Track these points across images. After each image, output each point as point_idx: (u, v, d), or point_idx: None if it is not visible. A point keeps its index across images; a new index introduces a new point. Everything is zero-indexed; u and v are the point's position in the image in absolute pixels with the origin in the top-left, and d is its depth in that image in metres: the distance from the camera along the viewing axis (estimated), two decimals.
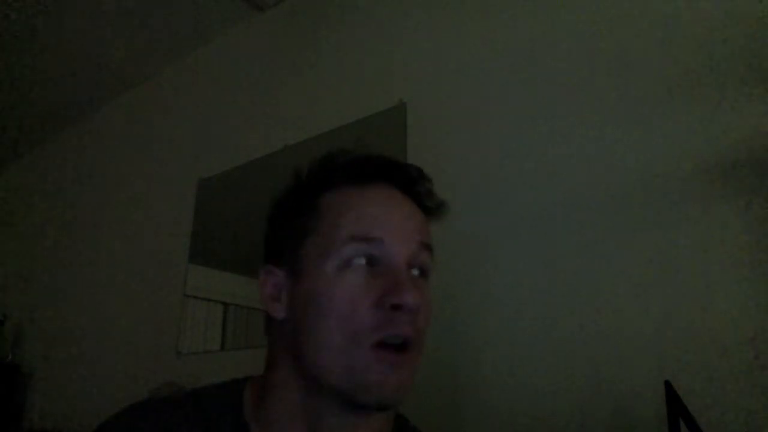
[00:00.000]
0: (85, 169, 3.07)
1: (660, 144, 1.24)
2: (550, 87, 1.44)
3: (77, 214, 2.99)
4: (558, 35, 1.46)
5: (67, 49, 2.67)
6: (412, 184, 0.71)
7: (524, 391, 1.25)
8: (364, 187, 0.69)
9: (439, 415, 1.32)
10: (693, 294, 1.14)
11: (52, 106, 3.12)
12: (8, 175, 3.71)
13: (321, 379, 0.63)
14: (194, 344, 2.08)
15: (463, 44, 1.65)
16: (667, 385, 1.00)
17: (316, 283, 0.64)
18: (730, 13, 1.21)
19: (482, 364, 1.32)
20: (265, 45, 2.32)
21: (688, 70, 1.25)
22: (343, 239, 0.64)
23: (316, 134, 1.93)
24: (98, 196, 2.90)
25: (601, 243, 1.26)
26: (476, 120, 1.54)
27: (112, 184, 2.84)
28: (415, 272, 0.66)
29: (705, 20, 1.24)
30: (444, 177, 0.83)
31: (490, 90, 1.55)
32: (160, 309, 2.25)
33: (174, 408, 0.68)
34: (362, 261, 0.63)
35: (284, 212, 0.73)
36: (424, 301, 0.64)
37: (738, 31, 1.19)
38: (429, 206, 0.73)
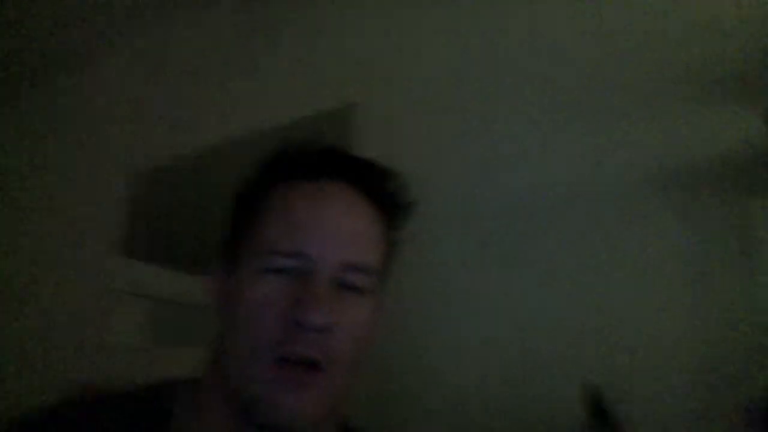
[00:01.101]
0: (14, 156, 2.90)
1: (608, 151, 1.28)
2: (506, 92, 1.46)
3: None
4: (516, 39, 1.49)
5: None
6: (370, 183, 0.66)
7: (459, 393, 1.26)
8: (308, 186, 0.64)
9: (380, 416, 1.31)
10: (619, 298, 1.19)
11: None
12: None
13: (232, 390, 0.59)
14: (121, 340, 1.99)
15: (416, 48, 1.66)
16: (591, 388, 1.03)
17: (236, 285, 0.61)
18: (688, 29, 1.26)
19: (418, 364, 1.32)
20: (213, 35, 2.25)
21: (642, 83, 1.28)
22: (266, 247, 0.60)
23: (262, 129, 1.88)
24: (24, 184, 2.74)
25: (538, 247, 1.29)
26: (427, 124, 1.55)
27: (41, 171, 2.70)
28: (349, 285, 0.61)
29: (662, 37, 1.28)
30: None
31: (444, 93, 1.55)
32: (85, 303, 2.15)
33: (91, 413, 0.63)
34: (282, 269, 0.59)
35: (234, 207, 0.69)
36: (346, 319, 0.59)
37: (693, 48, 1.24)
38: (389, 207, 0.68)
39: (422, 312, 1.35)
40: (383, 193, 0.67)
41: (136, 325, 1.99)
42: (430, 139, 1.50)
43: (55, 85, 2.77)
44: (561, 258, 1.26)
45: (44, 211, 2.56)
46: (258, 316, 0.58)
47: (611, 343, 1.16)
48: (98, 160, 2.41)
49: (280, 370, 0.56)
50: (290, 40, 1.96)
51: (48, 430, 0.60)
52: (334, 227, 0.62)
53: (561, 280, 1.25)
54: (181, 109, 2.20)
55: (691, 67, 1.23)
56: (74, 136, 2.58)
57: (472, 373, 1.26)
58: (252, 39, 2.08)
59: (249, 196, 0.68)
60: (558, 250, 1.27)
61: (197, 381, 0.65)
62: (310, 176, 0.65)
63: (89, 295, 2.12)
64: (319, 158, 0.67)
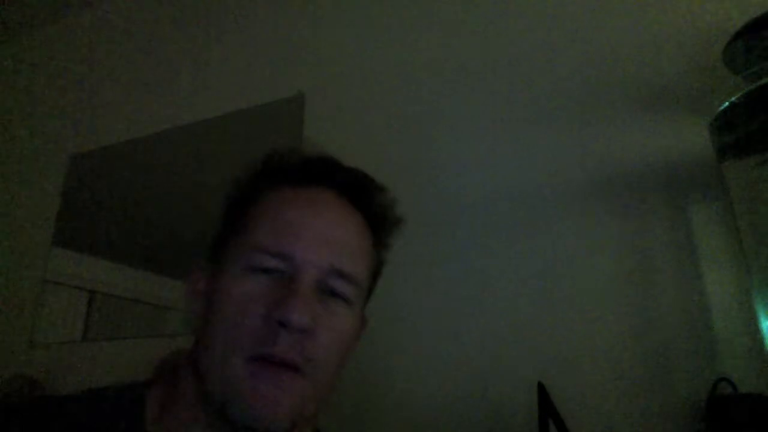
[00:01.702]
0: None
1: (556, 155, 1.30)
2: (451, 89, 1.47)
3: None
4: (470, 41, 1.49)
5: None
6: (360, 194, 0.67)
7: (411, 398, 1.26)
8: (300, 191, 0.65)
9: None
10: (570, 299, 1.21)
11: None
12: None
13: (206, 389, 0.58)
14: (52, 334, 1.90)
15: (367, 40, 1.65)
16: (540, 386, 1.05)
17: (221, 283, 0.61)
18: (640, 42, 1.29)
19: (369, 371, 1.32)
20: (159, 20, 2.17)
21: (593, 91, 1.31)
22: (254, 246, 0.61)
23: (209, 116, 1.82)
24: None
25: (484, 250, 1.30)
26: (377, 117, 1.54)
27: None
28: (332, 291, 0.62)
29: (614, 48, 1.31)
30: None
31: (392, 88, 1.55)
32: (14, 294, 2.04)
33: (60, 413, 0.60)
34: (268, 269, 0.60)
35: (224, 208, 0.69)
36: (327, 325, 0.59)
37: (644, 59, 1.27)
38: (378, 222, 0.69)
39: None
40: (373, 207, 0.69)
41: (72, 318, 1.91)
42: (380, 135, 1.49)
43: None
44: (508, 260, 1.28)
45: None
46: (240, 314, 0.58)
47: (558, 343, 1.19)
48: (35, 147, 2.29)
49: (257, 368, 0.56)
50: (239, 28, 1.92)
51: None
52: (323, 232, 0.62)
53: (508, 282, 1.26)
54: (125, 95, 2.12)
55: (640, 77, 1.27)
56: (8, 121, 2.44)
57: (422, 377, 1.26)
58: (200, 26, 2.02)
59: (240, 196, 0.68)
60: (505, 252, 1.28)
61: (171, 380, 0.64)
62: (304, 182, 0.66)
63: (23, 287, 2.02)
64: (314, 165, 0.67)
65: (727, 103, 1.02)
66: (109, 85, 2.17)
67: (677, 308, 1.13)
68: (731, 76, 1.06)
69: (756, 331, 0.97)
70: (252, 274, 0.60)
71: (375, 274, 0.70)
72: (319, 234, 0.62)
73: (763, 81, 1.00)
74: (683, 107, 1.19)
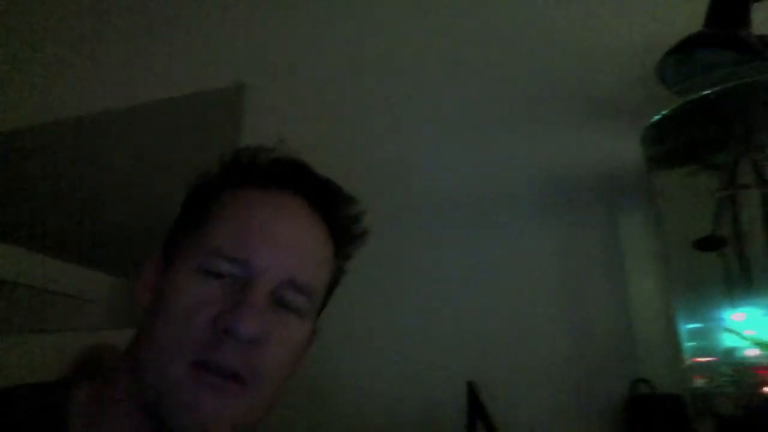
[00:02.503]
0: None
1: (495, 160, 1.33)
2: (400, 86, 1.47)
3: None
4: (412, 35, 1.49)
5: None
6: (328, 204, 0.65)
7: (344, 399, 1.25)
8: (266, 195, 0.62)
9: None
10: (504, 299, 1.23)
11: None
12: None
13: (142, 390, 0.54)
14: None
15: (316, 32, 1.61)
16: (470, 386, 1.06)
17: (171, 280, 0.58)
18: (580, 55, 1.34)
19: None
20: (97, 2, 2.06)
21: (536, 99, 1.34)
22: (210, 247, 0.57)
23: (143, 101, 1.73)
24: None
25: (421, 251, 1.31)
26: (323, 113, 1.51)
27: None
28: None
29: (557, 60, 1.35)
30: None
31: (341, 83, 1.53)
32: None
33: None
34: (222, 273, 0.56)
35: (183, 203, 0.65)
36: (277, 337, 0.56)
37: (583, 72, 1.32)
38: (342, 234, 0.66)
39: None
40: (340, 218, 0.66)
41: None
42: (326, 131, 1.47)
43: None
44: (448, 260, 1.29)
45: None
46: (187, 317, 0.54)
47: (490, 343, 1.21)
48: None
49: (199, 374, 0.53)
50: (180, 12, 1.85)
51: None
52: (285, 241, 0.59)
53: (446, 281, 1.28)
54: (58, 75, 2.00)
55: (582, 89, 1.31)
56: None
57: (359, 376, 1.26)
58: (138, 7, 1.94)
59: (202, 192, 0.64)
60: (445, 252, 1.30)
61: (99, 379, 0.60)
62: (272, 185, 0.62)
63: None
64: (284, 168, 0.64)
65: (657, 116, 1.06)
66: (33, 63, 2.04)
67: (604, 311, 1.18)
68: (663, 91, 1.10)
69: (674, 334, 1.02)
70: (205, 276, 0.56)
71: (332, 286, 0.68)
72: (281, 242, 0.59)
73: (691, 96, 1.05)
74: (619, 118, 1.24)
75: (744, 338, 0.91)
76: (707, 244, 1.03)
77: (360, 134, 1.46)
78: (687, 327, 1.00)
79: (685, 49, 1.07)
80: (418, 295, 1.28)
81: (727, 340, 0.93)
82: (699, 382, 0.96)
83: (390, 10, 1.54)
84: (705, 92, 1.03)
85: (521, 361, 1.18)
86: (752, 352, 0.91)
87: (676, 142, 1.08)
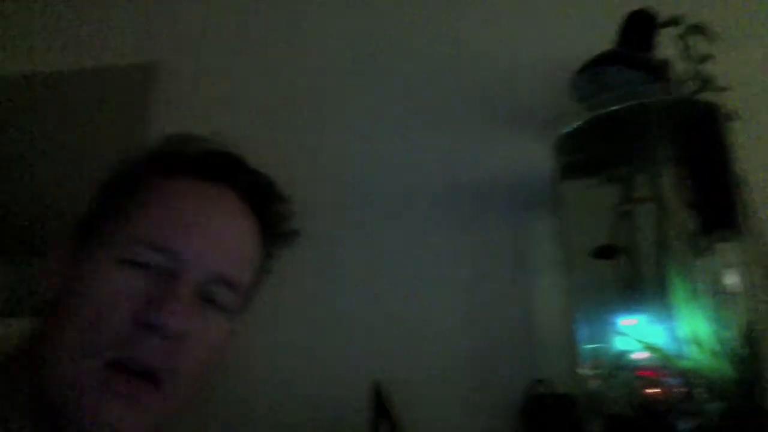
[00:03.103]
0: None
1: (412, 160, 1.34)
2: (324, 74, 1.45)
3: None
4: (340, 31, 1.48)
5: None
6: (261, 199, 0.62)
7: (250, 398, 1.21)
8: (197, 185, 0.58)
9: None
10: (411, 299, 1.24)
11: None
12: None
13: (44, 387, 0.50)
14: None
15: (231, 14, 1.56)
16: (375, 385, 1.06)
17: (86, 271, 0.53)
18: (500, 65, 1.38)
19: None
20: None
21: (458, 105, 1.37)
22: (134, 236, 0.53)
23: (44, 70, 1.60)
24: None
25: (332, 248, 1.29)
26: (237, 97, 1.46)
27: None
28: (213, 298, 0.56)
29: (480, 70, 1.39)
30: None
31: (259, 67, 1.49)
32: None
33: None
34: (145, 263, 0.52)
35: (100, 189, 0.60)
36: (200, 334, 0.53)
37: (501, 81, 1.36)
38: (273, 230, 0.64)
39: None
40: (272, 215, 0.64)
41: None
42: (240, 114, 1.42)
43: None
44: (354, 259, 1.28)
45: None
46: (104, 311, 0.50)
47: (396, 342, 1.21)
48: None
49: (110, 375, 0.48)
50: None
51: None
52: (216, 233, 0.56)
53: (355, 281, 1.27)
54: None
55: (499, 99, 1.36)
56: None
57: (263, 375, 1.22)
58: None
59: (125, 179, 0.59)
60: (350, 250, 1.29)
61: None
62: (203, 175, 0.59)
63: None
64: (218, 159, 0.61)
65: (568, 128, 1.11)
66: None
67: (508, 313, 1.21)
68: (575, 104, 1.15)
69: (572, 337, 1.07)
70: (126, 267, 0.52)
71: (257, 284, 0.65)
72: (212, 235, 0.56)
73: (598, 111, 1.11)
74: (533, 129, 1.29)
75: (634, 342, 0.97)
76: (603, 253, 1.08)
77: (276, 123, 1.42)
78: (583, 330, 1.05)
79: (597, 65, 1.12)
80: (326, 293, 1.27)
81: (619, 344, 0.99)
82: (592, 383, 1.01)
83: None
84: (610, 108, 1.09)
85: (426, 361, 1.20)
86: (641, 356, 0.97)
87: (582, 154, 1.14)
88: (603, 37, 1.14)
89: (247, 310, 0.64)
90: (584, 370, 1.02)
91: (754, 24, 1.36)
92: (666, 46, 1.12)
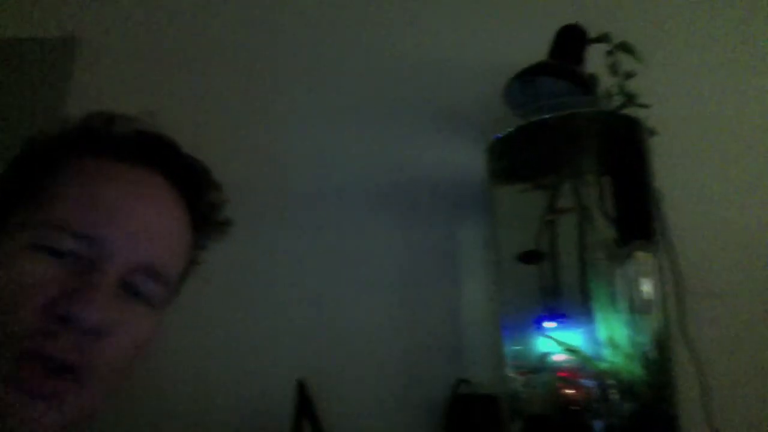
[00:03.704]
0: None
1: (349, 159, 1.33)
2: (257, 59, 1.41)
3: None
4: (277, 21, 1.45)
5: None
6: (192, 186, 0.58)
7: (171, 394, 1.16)
8: (123, 167, 0.54)
9: None
10: (338, 297, 1.23)
11: None
12: None
13: None
14: None
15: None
16: (299, 383, 1.04)
17: None
18: (438, 71, 1.39)
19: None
20: None
21: (396, 107, 1.38)
22: (49, 221, 0.49)
23: None
24: None
25: (263, 245, 1.26)
26: (161, 77, 1.39)
27: None
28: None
29: (419, 75, 1.40)
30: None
31: (187, 45, 1.43)
32: None
33: None
34: (63, 250, 0.48)
35: (21, 161, 0.55)
36: (123, 329, 0.50)
37: (440, 87, 1.38)
38: (205, 219, 0.60)
39: None
40: (204, 204, 0.60)
41: None
42: (166, 95, 1.35)
43: None
44: (281, 255, 1.26)
45: None
46: (13, 301, 0.45)
47: (323, 340, 1.20)
48: None
49: (24, 368, 0.45)
50: None
51: None
52: (143, 220, 0.52)
53: (279, 277, 1.25)
54: None
55: (438, 103, 1.38)
56: None
57: (186, 372, 1.17)
58: None
59: (38, 158, 0.54)
60: (277, 247, 1.26)
61: None
62: (130, 158, 0.54)
63: None
64: (148, 141, 0.57)
65: (500, 135, 1.14)
66: None
67: (436, 314, 1.23)
68: (509, 111, 1.18)
69: (498, 338, 1.10)
70: (40, 254, 0.47)
71: (186, 276, 0.62)
72: (138, 222, 0.52)
73: (529, 119, 1.14)
74: (469, 133, 1.31)
75: (556, 344, 1.00)
76: (528, 257, 1.12)
77: (209, 111, 1.37)
78: (509, 332, 1.08)
79: (529, 75, 1.16)
80: (253, 289, 1.24)
81: (541, 346, 1.02)
82: (515, 383, 1.04)
83: None
84: (540, 117, 1.13)
85: (353, 360, 1.19)
86: (560, 357, 1.01)
87: (513, 160, 1.16)
88: (538, 48, 1.18)
89: (173, 303, 0.60)
90: (508, 371, 1.06)
91: (676, 44, 1.45)
92: (594, 61, 1.17)
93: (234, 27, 1.45)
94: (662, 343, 0.99)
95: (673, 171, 1.16)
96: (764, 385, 1.25)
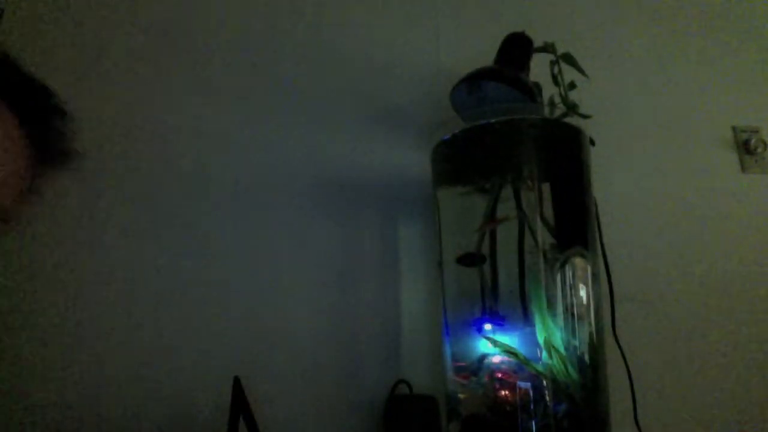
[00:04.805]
0: None
1: (289, 154, 1.30)
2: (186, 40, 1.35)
3: None
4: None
5: None
6: (35, 113, 0.52)
7: (87, 392, 1.10)
8: None
9: None
10: (275, 294, 1.21)
11: None
12: None
13: None
14: None
15: None
16: (235, 381, 1.01)
17: None
18: (384, 74, 1.40)
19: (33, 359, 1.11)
20: None
21: (340, 106, 1.36)
22: None
23: None
24: None
25: (195, 239, 1.22)
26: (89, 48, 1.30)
27: None
28: None
29: (347, 69, 1.39)
30: None
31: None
32: None
33: None
34: None
35: None
36: None
37: (376, 85, 1.38)
38: (49, 152, 0.54)
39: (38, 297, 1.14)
40: (48, 129, 0.54)
41: None
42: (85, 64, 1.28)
43: None
44: (216, 248, 1.22)
45: None
46: None
47: (258, 339, 1.18)
48: None
49: None
50: None
51: None
52: None
53: (214, 272, 1.21)
54: None
55: (382, 99, 1.38)
56: None
57: (113, 370, 1.12)
58: None
59: None
60: (213, 239, 1.22)
61: None
62: None
63: None
64: None
65: (444, 137, 1.14)
66: None
67: (374, 313, 1.23)
68: (454, 114, 1.19)
69: (437, 339, 1.11)
70: None
71: (21, 208, 0.55)
72: None
73: (472, 124, 1.15)
74: (418, 135, 1.32)
75: (494, 346, 1.02)
76: (467, 260, 1.13)
77: (121, 91, 1.29)
78: (448, 334, 1.08)
79: (476, 79, 1.17)
80: (185, 284, 1.19)
81: (480, 347, 1.03)
82: (453, 384, 1.05)
83: None
84: (484, 121, 1.14)
85: (289, 359, 1.17)
86: (498, 359, 1.02)
87: (457, 162, 1.17)
88: (486, 53, 1.20)
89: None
90: (447, 372, 1.06)
91: (616, 58, 1.51)
92: (539, 70, 1.20)
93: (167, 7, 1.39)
94: (595, 347, 1.02)
95: (608, 179, 1.20)
96: (688, 386, 1.32)
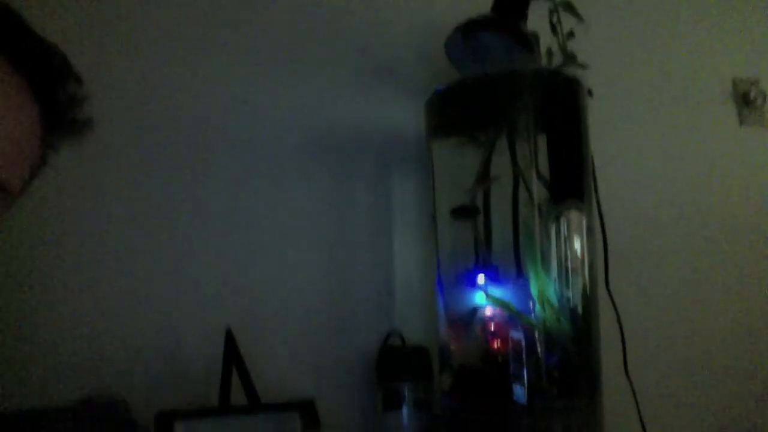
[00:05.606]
0: None
1: (280, 111, 1.27)
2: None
3: None
4: None
5: None
6: (46, 76, 0.49)
7: (65, 358, 1.09)
8: None
9: None
10: (268, 246, 1.21)
11: None
12: None
13: None
14: None
15: None
16: (228, 333, 1.02)
17: None
18: (360, 21, 1.35)
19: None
20: None
21: (331, 63, 1.32)
22: None
23: None
24: None
25: (187, 197, 1.20)
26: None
27: None
28: None
29: (356, 34, 1.35)
30: None
31: None
32: None
33: None
34: None
35: None
36: None
37: (368, 37, 1.34)
38: (59, 117, 0.51)
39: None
40: (60, 98, 0.51)
41: None
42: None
43: None
44: (208, 201, 1.21)
45: None
46: None
47: (252, 289, 1.18)
48: None
49: None
50: None
51: None
52: None
53: (206, 224, 1.20)
54: None
55: (375, 51, 1.34)
56: None
57: (98, 321, 1.12)
58: None
59: None
60: (205, 192, 1.21)
61: None
62: None
63: None
64: None
65: (439, 88, 1.12)
66: None
67: (367, 266, 1.23)
68: (449, 65, 1.17)
69: (431, 291, 1.11)
70: None
71: (32, 179, 0.53)
72: None
73: (468, 75, 1.13)
74: (411, 87, 1.28)
75: (487, 298, 1.02)
76: (461, 212, 1.12)
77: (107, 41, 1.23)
78: (441, 286, 1.08)
79: (471, 29, 1.14)
80: (178, 236, 1.18)
81: (474, 299, 1.04)
82: (445, 336, 1.06)
83: None
84: (479, 73, 1.12)
85: (283, 309, 1.18)
86: (490, 311, 1.03)
87: (452, 114, 1.15)
88: (482, 2, 1.16)
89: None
90: (440, 324, 1.07)
91: (616, 7, 1.48)
92: (537, 19, 1.17)
93: None
94: (588, 299, 1.03)
95: (605, 132, 1.18)
96: (679, 338, 1.34)
